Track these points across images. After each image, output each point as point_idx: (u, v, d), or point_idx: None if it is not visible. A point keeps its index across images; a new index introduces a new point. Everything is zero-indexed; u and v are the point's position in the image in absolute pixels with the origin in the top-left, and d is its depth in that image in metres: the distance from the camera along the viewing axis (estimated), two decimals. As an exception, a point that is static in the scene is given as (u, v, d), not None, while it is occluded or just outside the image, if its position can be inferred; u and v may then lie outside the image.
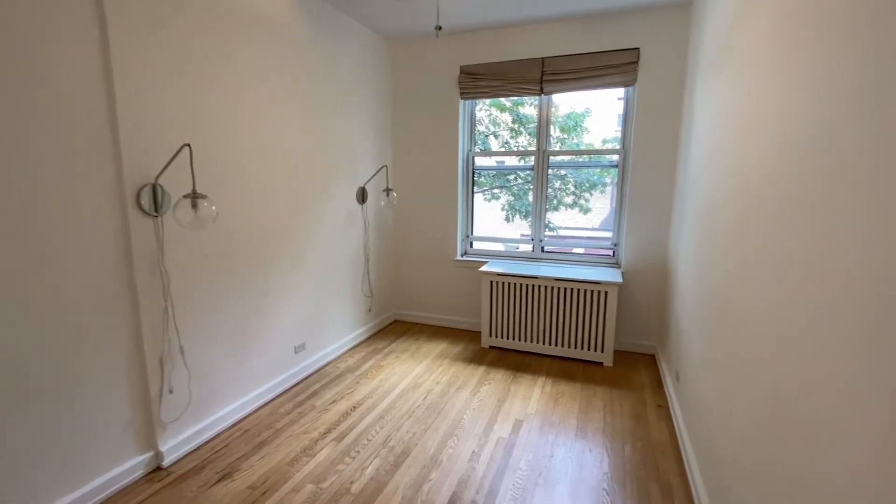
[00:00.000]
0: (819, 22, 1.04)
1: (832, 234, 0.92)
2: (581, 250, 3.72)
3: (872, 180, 0.79)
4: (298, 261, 2.81)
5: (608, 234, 3.63)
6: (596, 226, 4.26)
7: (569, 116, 4.13)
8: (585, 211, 4.40)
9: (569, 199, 4.44)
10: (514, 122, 4.43)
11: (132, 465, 1.93)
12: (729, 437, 1.50)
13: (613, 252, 3.51)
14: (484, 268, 3.37)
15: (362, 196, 3.41)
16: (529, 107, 4.19)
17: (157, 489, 1.90)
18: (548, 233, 3.73)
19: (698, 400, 1.96)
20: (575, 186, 4.41)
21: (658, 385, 2.87)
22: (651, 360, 3.24)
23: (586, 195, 4.40)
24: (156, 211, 1.91)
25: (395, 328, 3.93)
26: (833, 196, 0.92)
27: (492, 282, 3.34)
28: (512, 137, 4.52)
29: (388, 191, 3.48)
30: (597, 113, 4.07)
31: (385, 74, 3.67)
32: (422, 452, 2.15)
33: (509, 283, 3.30)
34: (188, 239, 2.08)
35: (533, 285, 3.23)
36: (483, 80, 3.44)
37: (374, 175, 3.52)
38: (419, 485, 1.92)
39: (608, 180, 4.20)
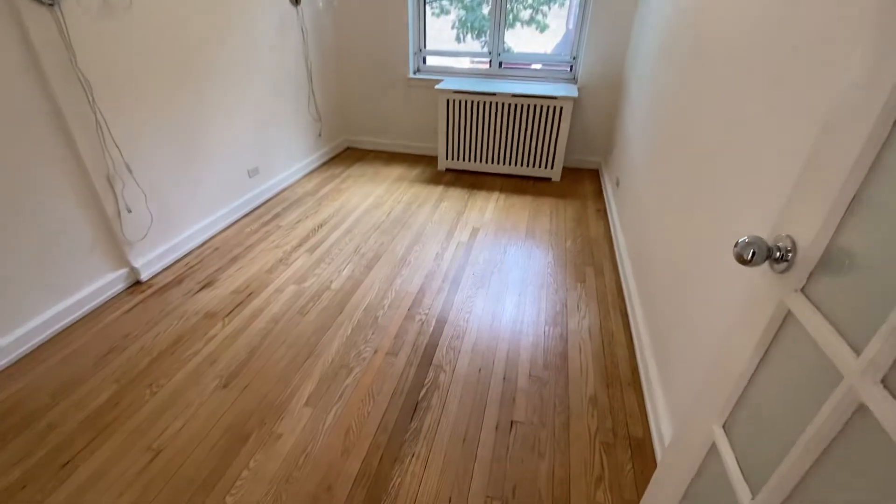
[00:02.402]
0: None
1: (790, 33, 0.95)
2: (539, 66, 3.58)
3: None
4: (233, 71, 2.52)
5: (563, 56, 3.47)
6: (549, 51, 4.01)
7: None
8: (543, 28, 4.08)
9: (525, 14, 4.06)
10: None
11: (110, 279, 1.99)
12: (657, 221, 1.76)
13: (571, 67, 3.42)
14: (440, 85, 3.21)
15: (296, -4, 2.92)
16: None
17: (141, 299, 2.01)
18: (503, 55, 3.50)
19: (633, 196, 2.23)
20: (533, -1, 3.99)
21: (599, 194, 3.17)
22: (594, 175, 3.51)
23: (544, 8, 4.03)
24: (47, -4, 1.56)
25: (349, 155, 3.85)
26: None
27: (448, 100, 3.23)
28: (465, -73, 3.82)
29: (326, -11, 2.99)
30: None
31: None
32: (391, 256, 2.37)
33: (466, 102, 3.21)
34: (101, 37, 1.76)
35: (490, 102, 3.17)
36: None
37: (308, -32, 2.96)
38: (392, 279, 2.17)
39: (568, -11, 3.81)
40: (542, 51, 3.93)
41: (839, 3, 0.81)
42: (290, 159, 3.19)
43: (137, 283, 2.11)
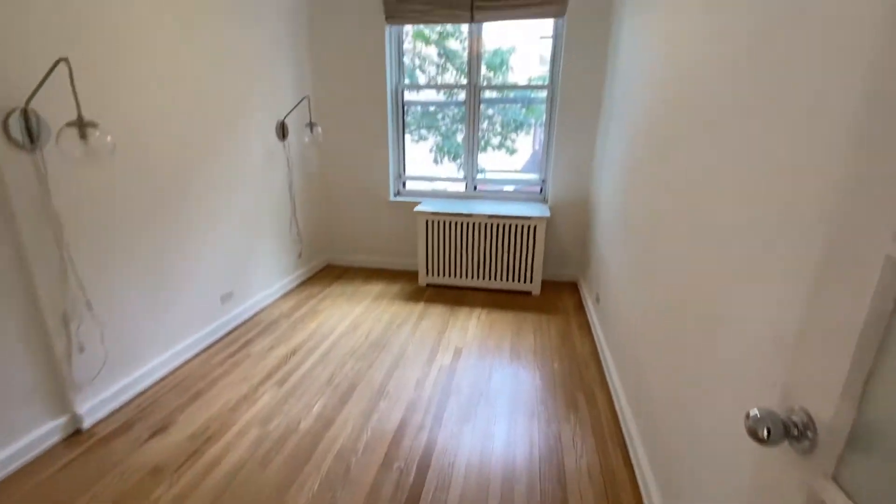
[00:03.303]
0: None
1: (742, 150, 1.02)
2: (511, 188, 3.82)
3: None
4: (215, 203, 2.56)
5: (533, 177, 3.75)
6: (519, 168, 4.36)
7: (495, 53, 4.05)
8: (512, 152, 4.47)
9: (496, 140, 4.47)
10: (440, 56, 4.26)
11: (45, 431, 1.75)
12: (642, 340, 1.71)
13: (541, 189, 3.65)
14: (419, 207, 3.34)
15: (282, 131, 3.13)
16: (455, 41, 4.03)
17: (79, 452, 1.75)
18: (477, 176, 3.76)
19: (616, 315, 2.20)
20: (502, 127, 4.44)
21: (580, 308, 3.15)
22: (574, 288, 3.54)
23: (512, 135, 4.46)
24: (31, 143, 1.60)
25: (329, 272, 3.83)
26: (747, 111, 1.02)
27: (427, 221, 3.34)
28: (439, 74, 4.36)
29: (311, 125, 3.23)
30: (521, 52, 4.03)
31: (299, -8, 3.27)
32: (368, 386, 2.20)
33: (444, 222, 3.32)
34: (79, 177, 1.78)
35: (467, 223, 3.29)
36: (410, 2, 3.21)
37: (295, 107, 3.23)
38: (368, 415, 1.98)
39: (532, 120, 4.27)
40: (512, 168, 4.24)
41: (823, 133, 0.86)
42: (267, 281, 3.13)
43: (78, 431, 1.86)
